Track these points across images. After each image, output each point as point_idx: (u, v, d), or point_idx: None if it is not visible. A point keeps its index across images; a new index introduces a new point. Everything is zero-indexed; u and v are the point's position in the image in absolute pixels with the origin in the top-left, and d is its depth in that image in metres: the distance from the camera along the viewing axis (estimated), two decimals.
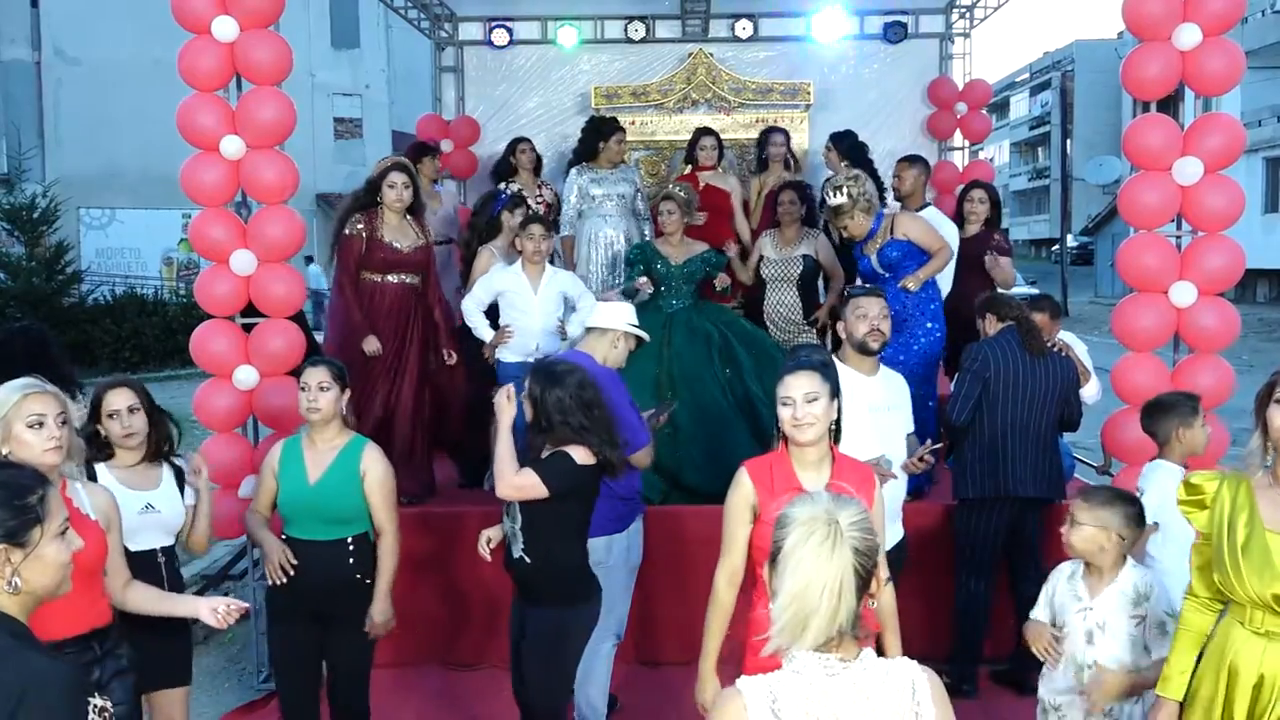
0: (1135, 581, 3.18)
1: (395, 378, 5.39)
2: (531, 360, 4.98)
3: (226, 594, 6.38)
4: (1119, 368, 4.91)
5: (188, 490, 3.65)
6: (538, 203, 6.91)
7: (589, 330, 4.43)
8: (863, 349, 4.04)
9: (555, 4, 8.38)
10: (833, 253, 6.53)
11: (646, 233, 6.86)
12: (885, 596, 3.08)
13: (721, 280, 5.96)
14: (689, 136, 7.37)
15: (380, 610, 3.86)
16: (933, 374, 5.53)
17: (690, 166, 7.24)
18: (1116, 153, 24.15)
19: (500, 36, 8.44)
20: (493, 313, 5.63)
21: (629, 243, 6.74)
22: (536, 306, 5.46)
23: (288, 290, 4.89)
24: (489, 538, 3.77)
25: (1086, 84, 41.10)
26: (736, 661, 2.91)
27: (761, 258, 6.53)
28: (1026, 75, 52.91)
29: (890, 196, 6.90)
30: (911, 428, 4.24)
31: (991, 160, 38.87)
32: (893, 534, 4.09)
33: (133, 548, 3.36)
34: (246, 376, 4.86)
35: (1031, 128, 51.17)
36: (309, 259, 20.36)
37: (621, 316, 4.35)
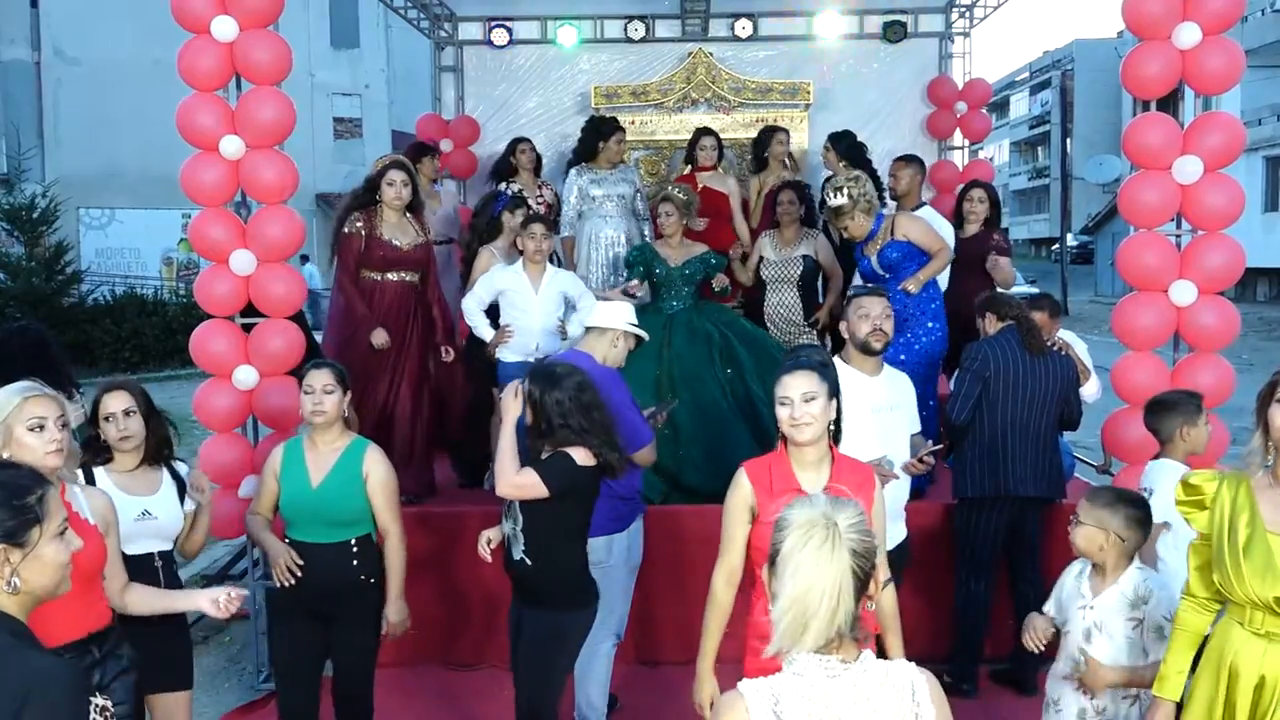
0: (1136, 584, 3.17)
1: (395, 377, 5.39)
2: (532, 360, 4.99)
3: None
4: (1119, 367, 4.91)
5: (187, 499, 3.65)
6: (538, 203, 6.91)
7: (588, 330, 4.43)
8: (865, 349, 4.03)
9: (555, 3, 8.38)
10: (832, 253, 6.54)
11: (646, 233, 6.86)
12: (887, 597, 3.07)
13: (719, 281, 5.95)
14: (689, 136, 7.37)
15: (396, 611, 3.89)
16: (934, 374, 5.53)
17: (690, 167, 7.23)
18: (1116, 152, 24.15)
19: (500, 36, 8.45)
20: (493, 313, 5.63)
21: (629, 243, 6.74)
22: (537, 306, 5.46)
23: (287, 290, 4.89)
24: (489, 539, 3.77)
25: (1086, 83, 41.11)
26: (735, 661, 2.91)
27: (761, 258, 6.53)
28: (1026, 74, 52.91)
29: (887, 196, 6.90)
30: (917, 428, 4.23)
31: (991, 159, 38.88)
32: (895, 534, 4.08)
33: (129, 552, 3.35)
34: (246, 376, 4.86)
35: (1031, 127, 51.17)
36: (304, 258, 20.36)
37: (621, 315, 4.35)
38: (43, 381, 3.08)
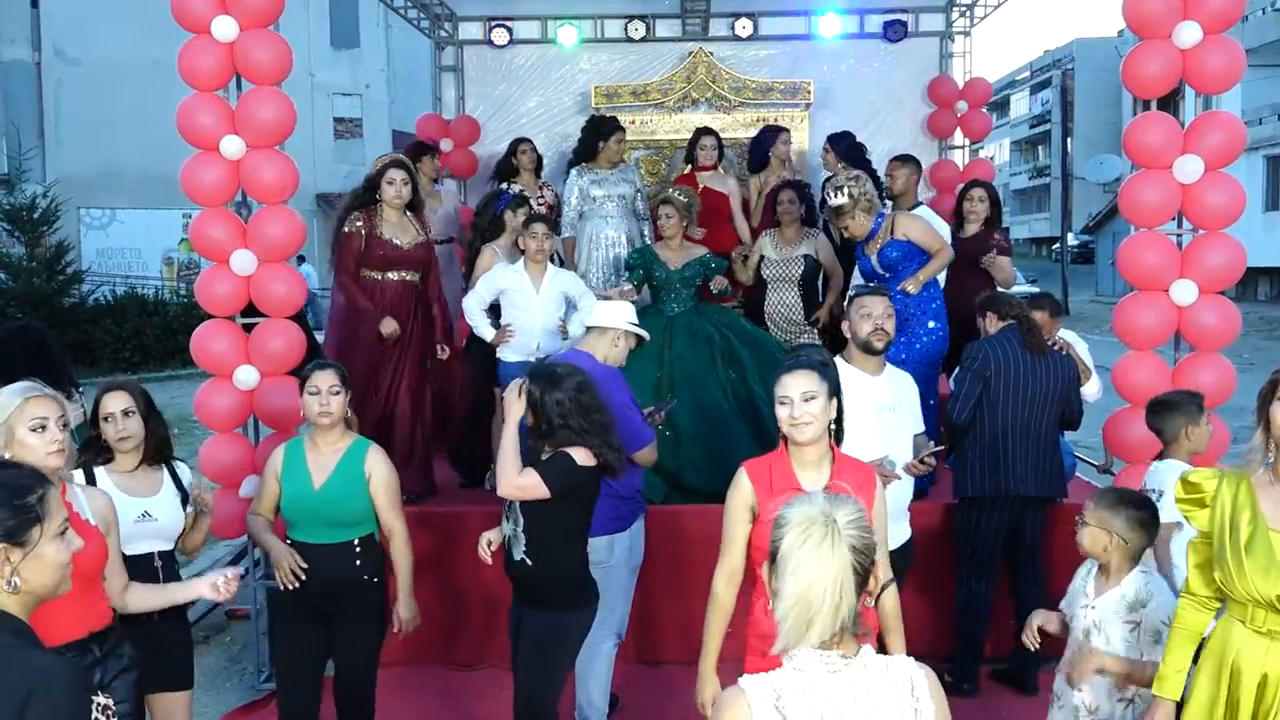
0: (1137, 587, 3.17)
1: (395, 376, 5.39)
2: (533, 359, 4.99)
3: None
4: (1120, 366, 4.91)
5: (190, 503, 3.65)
6: (539, 204, 6.91)
7: (589, 329, 4.43)
8: (866, 348, 4.03)
9: (555, 3, 8.37)
10: (833, 252, 6.54)
11: (646, 233, 6.86)
12: (889, 598, 3.07)
13: (718, 283, 5.94)
14: (689, 136, 7.37)
15: (406, 607, 3.92)
16: (934, 373, 5.52)
17: (690, 166, 7.23)
18: (1117, 151, 24.14)
19: (500, 36, 8.44)
20: (494, 312, 5.63)
21: (630, 243, 6.74)
22: (538, 306, 5.46)
23: (288, 290, 4.89)
24: (489, 540, 3.77)
25: (1087, 82, 41.08)
26: (736, 661, 2.91)
27: (762, 258, 6.53)
28: (1027, 74, 52.89)
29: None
30: (920, 428, 4.23)
31: (992, 159, 38.81)
32: (899, 534, 4.08)
33: (129, 552, 3.35)
34: (247, 376, 4.86)
35: (1032, 126, 51.15)
36: (301, 259, 20.35)
37: (621, 315, 4.35)
38: (43, 381, 3.08)
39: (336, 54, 26.30)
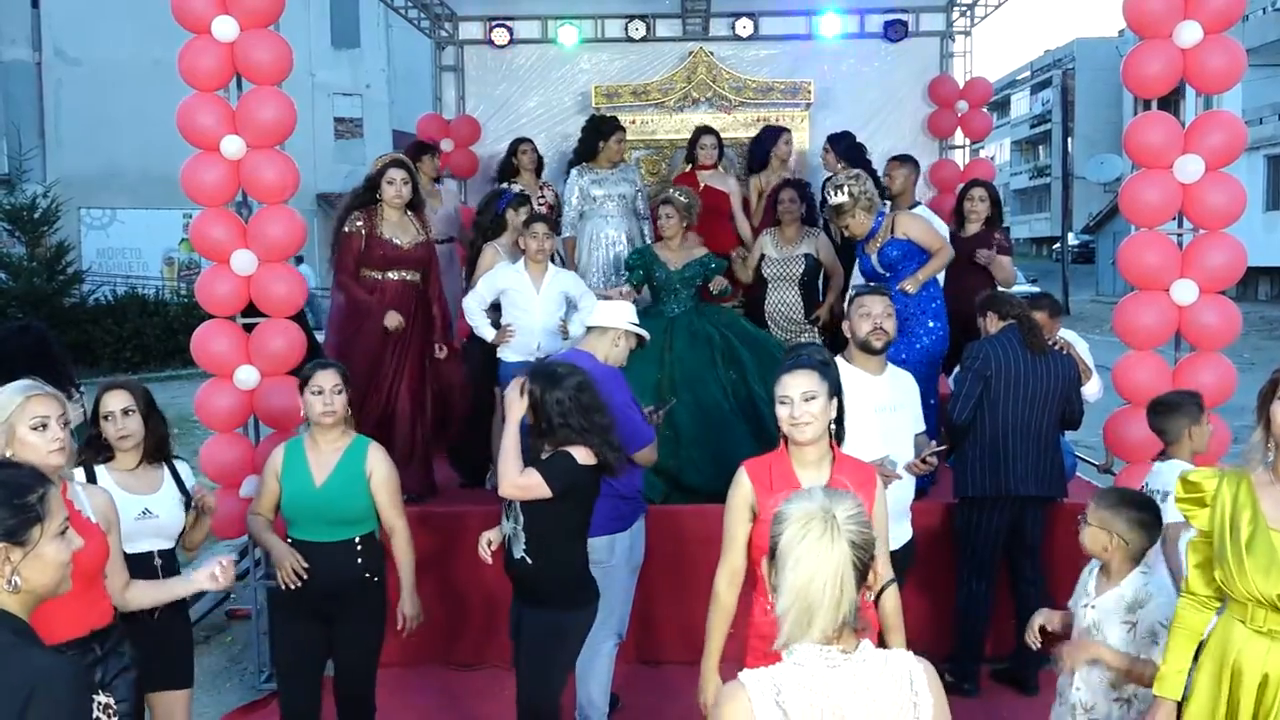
0: (1136, 588, 3.18)
1: (396, 376, 5.39)
2: (533, 359, 4.99)
3: (228, 595, 6.41)
4: (1120, 366, 4.91)
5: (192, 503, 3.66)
6: (539, 204, 6.91)
7: (590, 329, 4.43)
8: (866, 348, 4.03)
9: (555, 3, 8.37)
10: (833, 251, 6.54)
11: (647, 233, 6.86)
12: (890, 598, 3.07)
13: (718, 283, 5.94)
14: (689, 135, 7.36)
15: (410, 604, 3.94)
16: (934, 373, 5.52)
17: (690, 165, 7.23)
18: (1117, 151, 24.14)
19: (500, 36, 8.44)
20: (493, 311, 5.63)
21: (630, 243, 6.74)
22: (538, 306, 5.46)
23: (288, 290, 4.89)
24: (489, 539, 3.77)
25: (1087, 82, 41.07)
26: (736, 661, 2.91)
27: (762, 257, 6.53)
28: (1027, 73, 52.88)
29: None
30: (922, 427, 4.23)
31: (992, 159, 38.82)
32: (900, 535, 4.07)
33: (129, 550, 3.36)
34: (247, 376, 4.86)
35: (1032, 126, 51.14)
36: (299, 259, 20.35)
37: (622, 315, 4.35)
38: (44, 381, 3.08)
39: (337, 54, 26.30)
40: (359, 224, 5.31)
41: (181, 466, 3.71)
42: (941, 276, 5.59)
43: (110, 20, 22.77)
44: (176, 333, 16.86)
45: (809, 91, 8.25)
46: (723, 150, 7.30)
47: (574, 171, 6.98)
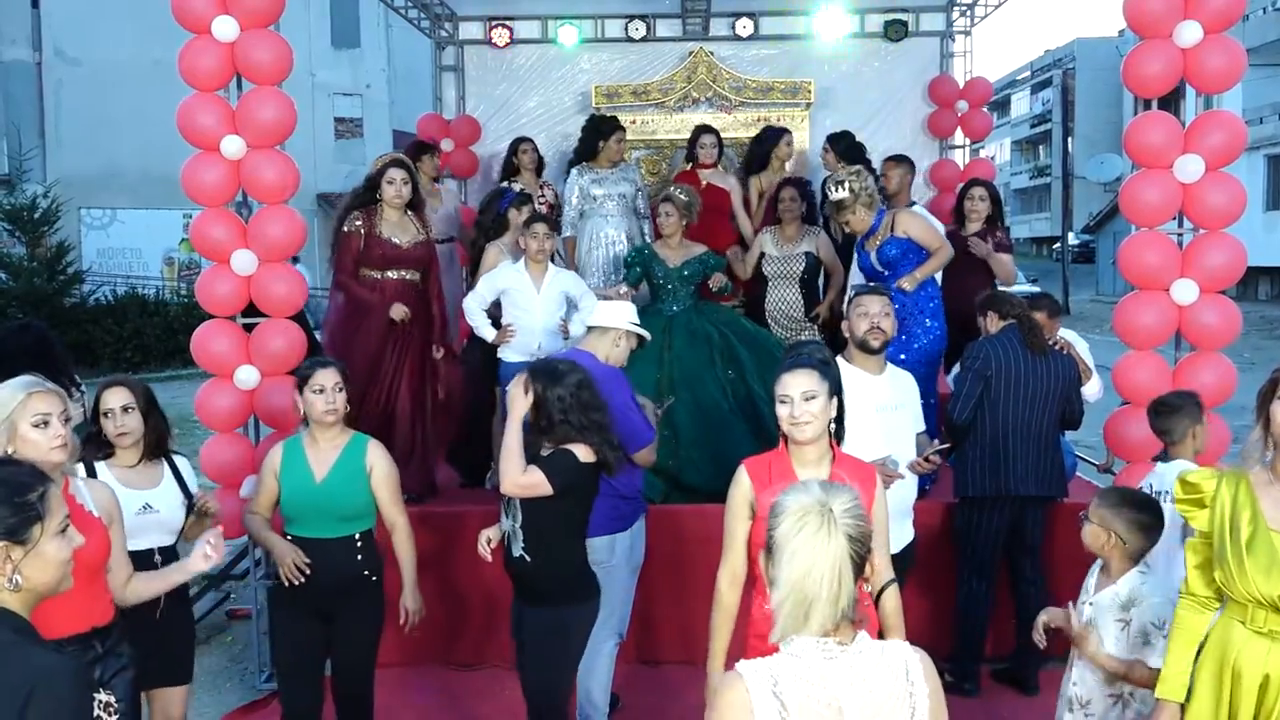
0: (1131, 587, 3.19)
1: (396, 375, 5.39)
2: (534, 359, 4.98)
3: (228, 595, 6.42)
4: (1120, 366, 4.91)
5: (193, 498, 3.66)
6: (540, 203, 6.91)
7: (590, 329, 4.43)
8: (864, 347, 4.03)
9: (555, 3, 8.38)
10: (833, 250, 6.54)
11: (647, 232, 6.86)
12: (890, 598, 3.07)
13: (717, 280, 5.94)
14: (689, 135, 7.37)
15: (411, 599, 3.96)
16: (933, 372, 5.52)
17: (691, 165, 7.23)
18: (1118, 150, 24.13)
19: (500, 36, 8.44)
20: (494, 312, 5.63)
21: (630, 242, 6.74)
22: (539, 306, 5.46)
23: (289, 290, 4.89)
24: (488, 538, 3.77)
25: (1087, 82, 41.05)
26: (737, 660, 2.91)
27: (763, 255, 6.53)
28: (1027, 73, 52.86)
29: None
30: (922, 427, 4.23)
31: (993, 158, 38.82)
32: (902, 535, 4.07)
33: (130, 547, 3.35)
34: (248, 376, 4.87)
35: (1033, 125, 51.12)
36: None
37: (623, 315, 4.35)
38: (45, 378, 3.08)
39: (337, 54, 26.28)
40: (358, 224, 5.31)
41: (181, 462, 3.72)
42: (939, 276, 5.59)
43: (110, 20, 22.76)
44: (177, 333, 16.86)
45: (809, 91, 8.26)
46: (722, 149, 7.30)
47: (574, 171, 6.98)
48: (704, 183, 6.87)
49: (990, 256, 6.20)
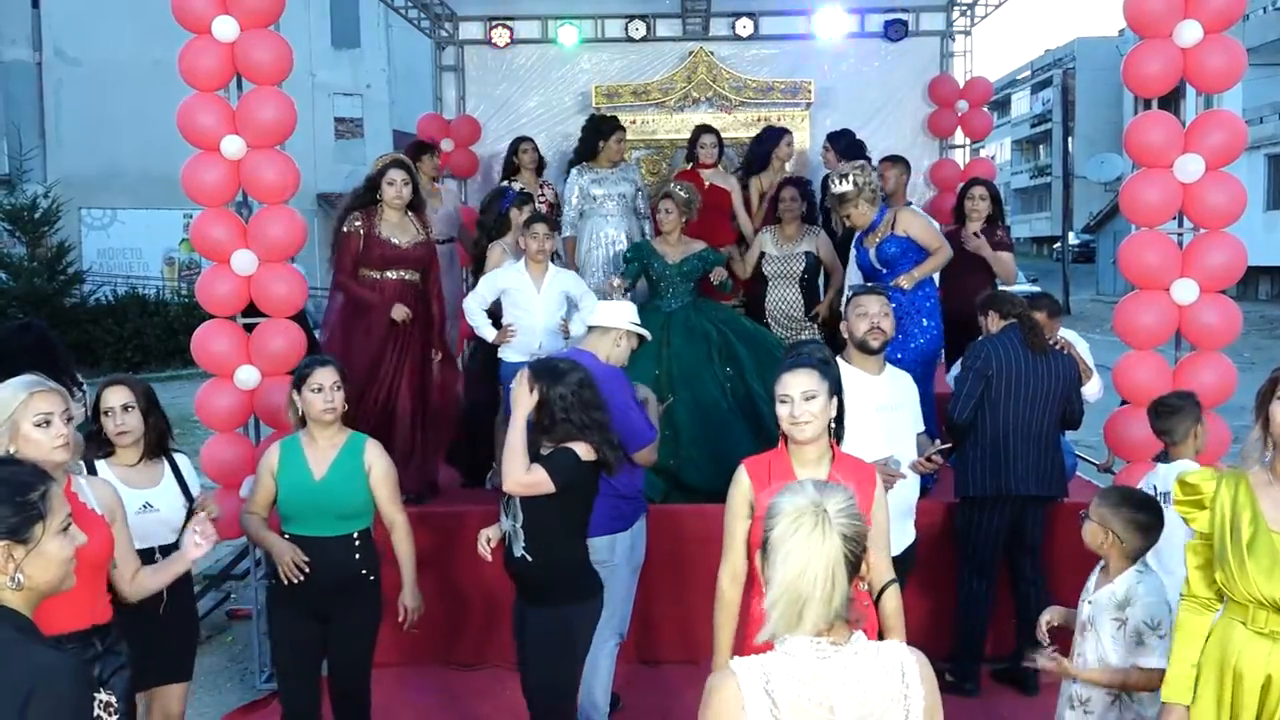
0: (1128, 586, 3.19)
1: (395, 375, 5.39)
2: (534, 358, 4.98)
3: (228, 595, 6.42)
4: (1121, 365, 4.91)
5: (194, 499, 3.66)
6: (540, 203, 6.92)
7: (591, 329, 4.43)
8: (863, 347, 4.03)
9: (556, 3, 8.38)
10: (833, 249, 6.54)
11: (647, 231, 6.86)
12: (890, 598, 3.06)
13: (718, 273, 5.93)
14: (689, 135, 7.37)
15: (412, 597, 3.96)
16: (930, 373, 5.52)
17: (691, 165, 7.23)
18: (1118, 150, 24.12)
19: (501, 36, 8.45)
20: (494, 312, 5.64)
21: (630, 242, 6.74)
22: (539, 305, 5.46)
23: (289, 290, 4.89)
24: (488, 538, 3.76)
25: (1088, 81, 41.04)
26: (738, 656, 2.91)
27: (763, 255, 6.53)
28: (1028, 73, 52.86)
29: None
30: (921, 427, 4.22)
31: (993, 158, 38.82)
32: (904, 535, 4.07)
33: None
34: (248, 376, 4.87)
35: (1033, 125, 51.12)
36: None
37: (623, 315, 4.35)
38: (46, 377, 3.08)
39: (337, 54, 26.28)
40: (357, 224, 5.31)
41: (182, 460, 3.72)
42: (937, 277, 5.59)
43: (110, 20, 22.76)
44: (177, 333, 16.89)
45: (809, 91, 8.26)
46: (722, 149, 7.30)
47: (574, 171, 6.98)
48: (707, 183, 6.87)
49: (982, 249, 6.19)
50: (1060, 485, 4.85)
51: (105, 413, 3.52)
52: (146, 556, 3.47)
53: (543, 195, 7.17)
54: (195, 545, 3.18)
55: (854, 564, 1.97)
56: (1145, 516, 3.25)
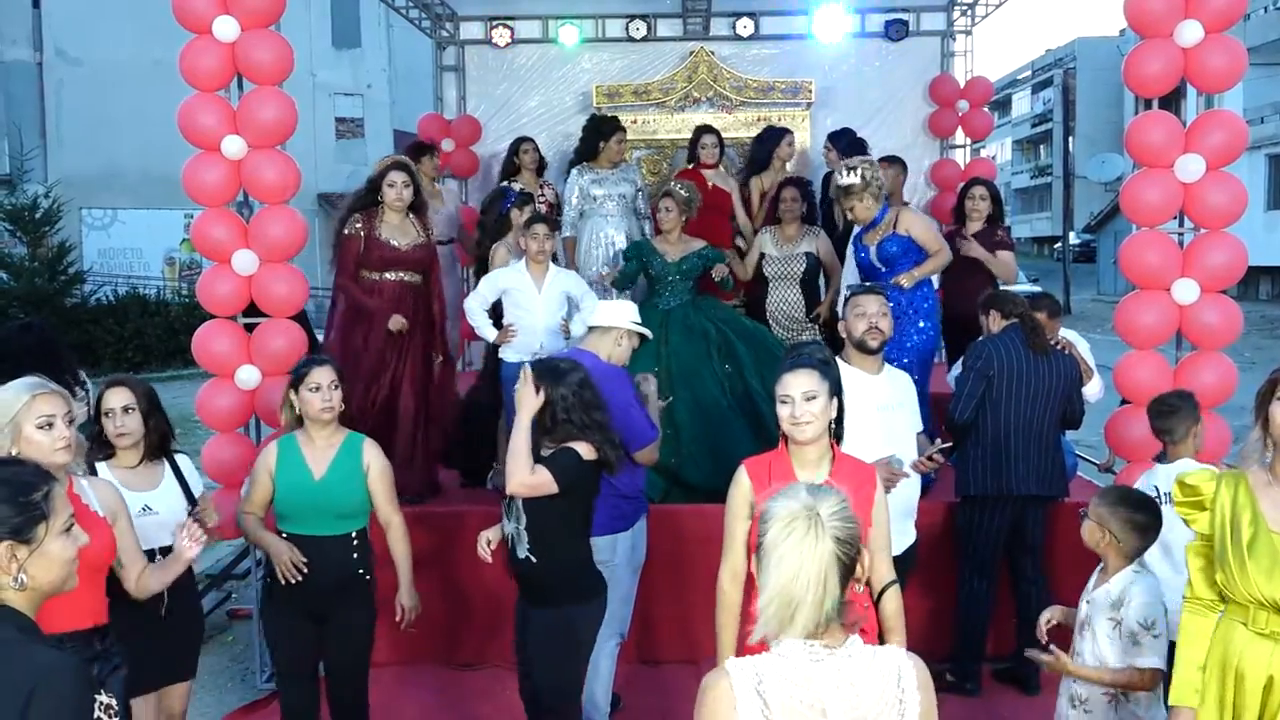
0: (1123, 585, 3.19)
1: (396, 376, 5.39)
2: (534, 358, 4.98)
3: (229, 595, 6.42)
4: (1121, 365, 4.91)
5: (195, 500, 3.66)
6: (540, 203, 6.92)
7: (591, 329, 4.43)
8: (861, 347, 4.02)
9: (556, 3, 8.39)
10: (833, 249, 6.55)
11: (647, 232, 6.86)
12: (891, 599, 3.06)
13: (719, 270, 5.93)
14: (690, 135, 7.37)
15: (409, 597, 3.96)
16: (926, 373, 5.52)
17: (692, 165, 7.24)
18: (1119, 150, 24.13)
19: (501, 36, 8.46)
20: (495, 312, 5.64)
21: (630, 242, 6.75)
22: (540, 306, 5.46)
23: (289, 290, 4.89)
24: (488, 539, 3.76)
25: (1088, 81, 41.02)
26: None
27: (763, 255, 6.53)
28: (1028, 73, 52.84)
29: None
30: (921, 426, 4.22)
31: (993, 158, 38.80)
32: (904, 536, 4.07)
33: None
34: (249, 376, 4.87)
35: (1033, 125, 51.11)
36: None
37: (624, 314, 4.35)
38: (48, 378, 3.08)
39: (338, 54, 26.29)
40: (358, 226, 5.31)
41: (184, 461, 3.71)
42: (937, 279, 5.59)
43: (111, 20, 22.77)
44: (178, 333, 16.89)
45: (810, 91, 8.26)
46: (723, 149, 7.30)
47: (574, 171, 6.98)
48: (709, 184, 6.88)
49: (972, 250, 6.19)
50: (1061, 485, 4.85)
51: (106, 414, 3.52)
52: (148, 558, 3.48)
53: (543, 195, 7.17)
54: (188, 547, 3.20)
55: (848, 567, 1.96)
56: (1143, 516, 3.25)
